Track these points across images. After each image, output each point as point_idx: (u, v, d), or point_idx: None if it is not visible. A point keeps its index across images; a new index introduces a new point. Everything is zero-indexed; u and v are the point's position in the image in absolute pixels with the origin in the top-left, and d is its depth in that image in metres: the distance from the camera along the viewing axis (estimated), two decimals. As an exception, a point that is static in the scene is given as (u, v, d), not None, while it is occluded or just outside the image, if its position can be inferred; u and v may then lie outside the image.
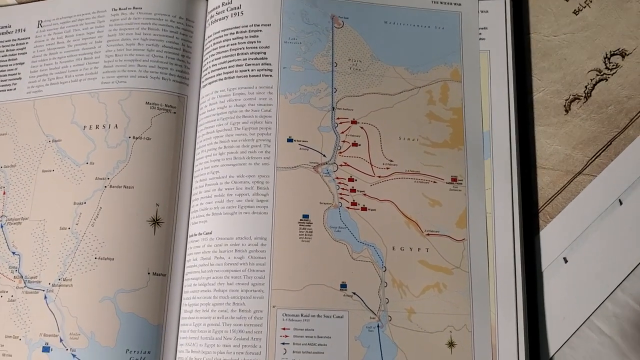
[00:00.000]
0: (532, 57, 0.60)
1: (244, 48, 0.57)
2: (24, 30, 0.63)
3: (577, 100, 0.58)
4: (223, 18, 0.58)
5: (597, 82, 0.58)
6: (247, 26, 0.57)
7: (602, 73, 0.58)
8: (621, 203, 0.54)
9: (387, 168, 0.55)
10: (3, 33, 0.64)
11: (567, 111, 0.58)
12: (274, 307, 0.51)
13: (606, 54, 0.58)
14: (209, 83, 0.57)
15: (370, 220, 0.53)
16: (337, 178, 0.54)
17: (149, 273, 0.53)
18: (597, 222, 0.54)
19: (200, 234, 0.53)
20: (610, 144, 0.56)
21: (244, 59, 0.56)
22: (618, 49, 0.58)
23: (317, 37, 0.57)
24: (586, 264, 0.54)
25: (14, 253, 0.56)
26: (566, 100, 0.58)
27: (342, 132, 0.55)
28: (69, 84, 0.59)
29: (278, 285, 0.51)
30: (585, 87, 0.58)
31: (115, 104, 0.57)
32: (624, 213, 0.54)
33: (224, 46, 0.57)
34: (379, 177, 0.55)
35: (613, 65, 0.58)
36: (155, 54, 0.58)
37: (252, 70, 0.56)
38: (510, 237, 0.54)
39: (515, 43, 0.59)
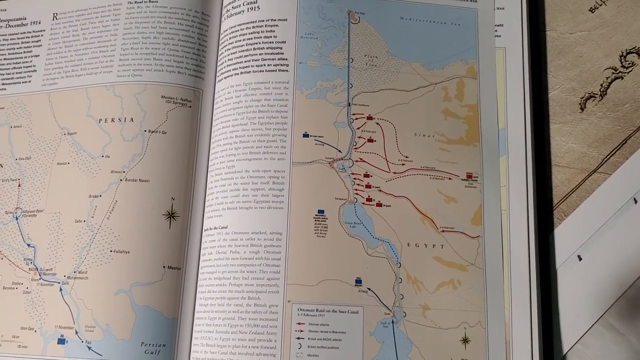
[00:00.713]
0: (548, 54, 0.60)
1: (260, 43, 0.57)
2: (39, 23, 0.63)
3: (592, 98, 0.58)
4: (239, 12, 0.58)
5: (612, 80, 0.58)
6: (263, 21, 0.57)
7: (618, 71, 0.58)
8: (636, 201, 0.54)
9: (403, 164, 0.55)
10: (18, 25, 0.64)
11: (582, 109, 0.58)
12: (289, 301, 0.51)
13: (622, 52, 0.58)
14: (225, 77, 0.57)
15: (385, 216, 0.54)
16: (352, 174, 0.54)
17: (164, 267, 0.54)
18: (612, 221, 0.54)
19: (215, 228, 0.54)
20: (626, 142, 0.56)
21: (260, 54, 0.56)
22: (634, 47, 0.58)
23: (333, 33, 0.57)
24: (600, 262, 0.54)
25: (29, 245, 0.56)
26: (582, 98, 0.58)
27: (358, 128, 0.55)
28: (84, 76, 0.59)
29: (293, 280, 0.51)
30: (601, 85, 0.58)
31: (131, 97, 0.57)
32: (639, 211, 0.54)
33: (240, 40, 0.57)
34: (395, 173, 0.55)
35: (629, 63, 0.58)
36: (170, 48, 0.58)
37: (268, 65, 0.56)
38: (525, 234, 0.54)
39: (531, 40, 0.59)
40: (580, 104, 0.58)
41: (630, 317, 0.52)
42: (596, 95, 0.58)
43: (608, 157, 0.56)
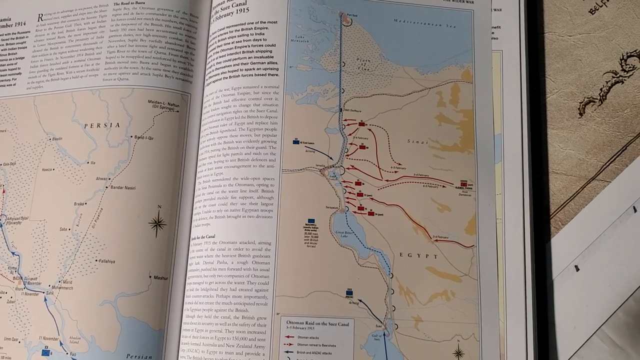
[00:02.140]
0: (546, 57, 0.58)
1: (249, 46, 0.55)
2: (24, 24, 0.61)
3: (591, 103, 0.56)
4: (228, 14, 0.57)
5: (612, 85, 0.56)
6: (252, 23, 0.56)
7: (618, 75, 0.56)
8: (635, 210, 0.53)
9: (395, 172, 0.53)
10: (3, 26, 0.62)
11: (581, 114, 0.56)
12: (277, 314, 0.49)
13: (623, 55, 0.57)
14: (213, 81, 0.56)
15: (377, 225, 0.52)
16: (344, 181, 0.53)
17: (150, 276, 0.52)
18: (611, 230, 0.53)
19: (203, 237, 0.52)
20: (626, 148, 0.55)
21: (249, 57, 0.55)
22: (635, 50, 0.56)
23: (324, 36, 0.56)
24: (598, 272, 0.52)
25: (13, 253, 0.55)
26: (580, 102, 0.56)
27: (350, 134, 0.54)
28: (69, 80, 0.58)
29: (282, 292, 0.50)
30: (601, 89, 0.56)
31: (117, 102, 0.56)
32: (638, 220, 0.53)
33: (229, 43, 0.56)
34: (387, 180, 0.53)
35: (630, 67, 0.56)
36: (158, 51, 0.57)
37: (258, 69, 0.54)
38: (521, 244, 0.52)
39: (528, 43, 0.57)
40: (579, 109, 0.56)
41: (629, 330, 0.51)
42: (595, 100, 0.56)
43: (607, 164, 0.54)
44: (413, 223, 0.53)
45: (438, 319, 0.51)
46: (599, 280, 0.52)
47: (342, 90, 0.55)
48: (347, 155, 0.53)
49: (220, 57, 0.56)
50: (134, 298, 0.52)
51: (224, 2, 0.57)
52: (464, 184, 0.54)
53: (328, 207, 0.52)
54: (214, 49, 0.57)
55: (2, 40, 0.62)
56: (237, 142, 0.53)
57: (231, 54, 0.55)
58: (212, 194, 0.53)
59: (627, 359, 0.51)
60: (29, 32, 0.61)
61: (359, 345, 0.50)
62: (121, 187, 0.54)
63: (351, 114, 0.54)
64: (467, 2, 0.58)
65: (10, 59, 0.61)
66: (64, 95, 0.58)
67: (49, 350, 0.52)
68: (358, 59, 0.56)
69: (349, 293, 0.51)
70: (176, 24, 0.58)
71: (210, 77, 0.56)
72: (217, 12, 0.58)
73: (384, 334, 0.50)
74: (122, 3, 0.58)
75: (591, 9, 0.58)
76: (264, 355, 0.49)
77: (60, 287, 0.53)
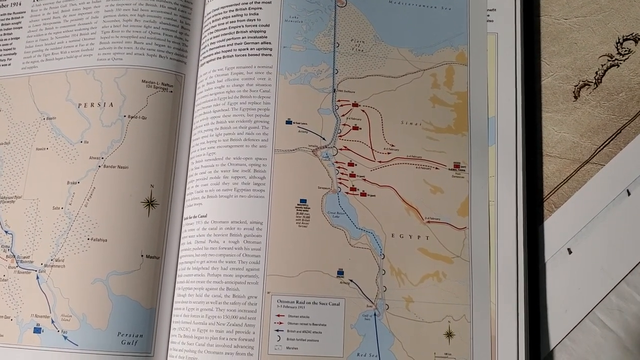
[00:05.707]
0: (542, 40, 0.58)
1: (243, 26, 0.55)
2: (20, 4, 0.61)
3: (586, 87, 0.56)
4: (223, -6, 0.57)
5: (608, 68, 0.56)
6: (246, 3, 0.56)
7: (613, 58, 0.56)
8: (629, 193, 0.53)
9: (388, 153, 0.53)
10: (-2, 6, 0.62)
11: (576, 97, 0.56)
12: (268, 293, 0.49)
13: (618, 39, 0.56)
14: (207, 62, 0.56)
15: (369, 206, 0.52)
16: (336, 162, 0.53)
17: (142, 255, 0.52)
18: (604, 213, 0.53)
19: (195, 216, 0.52)
20: (620, 132, 0.54)
21: (243, 37, 0.55)
22: (631, 34, 0.56)
23: (319, 16, 0.55)
24: (591, 255, 0.52)
25: (6, 232, 0.55)
26: (575, 86, 0.56)
27: (343, 115, 0.54)
28: (64, 60, 0.58)
29: (273, 271, 0.50)
30: (596, 72, 0.56)
31: (111, 82, 0.56)
32: (631, 204, 0.53)
33: (223, 23, 0.56)
34: (380, 162, 0.53)
35: (625, 50, 0.56)
36: (152, 31, 0.57)
37: (252, 49, 0.54)
38: (514, 226, 0.52)
39: (524, 26, 0.57)
40: (574, 92, 0.56)
41: (620, 313, 0.51)
42: (591, 83, 0.56)
43: (601, 147, 0.54)
44: (405, 204, 0.52)
45: (429, 300, 0.51)
46: (592, 264, 0.52)
47: (336, 71, 0.54)
48: (340, 136, 0.53)
49: (214, 37, 0.56)
50: (126, 277, 0.52)
51: (218, -18, 0.57)
52: (457, 165, 0.54)
53: (320, 188, 0.52)
54: (208, 29, 0.57)
55: (-2, 20, 0.62)
56: (230, 122, 0.53)
57: (225, 34, 0.55)
58: (204, 174, 0.53)
59: (618, 342, 0.51)
60: (25, 12, 0.61)
61: (350, 325, 0.50)
62: (114, 167, 0.54)
63: (345, 94, 0.54)
64: (463, -16, 0.58)
65: (5, 39, 0.61)
66: (59, 75, 0.58)
67: (41, 328, 0.52)
68: (352, 39, 0.55)
69: (340, 273, 0.50)
70: (171, 4, 0.58)
71: (204, 57, 0.56)
72: (211, -8, 0.58)
73: (375, 314, 0.50)
74: (117, -17, 0.58)
75: (587, -8, 0.58)
76: (254, 333, 0.49)
77: (52, 266, 0.53)
